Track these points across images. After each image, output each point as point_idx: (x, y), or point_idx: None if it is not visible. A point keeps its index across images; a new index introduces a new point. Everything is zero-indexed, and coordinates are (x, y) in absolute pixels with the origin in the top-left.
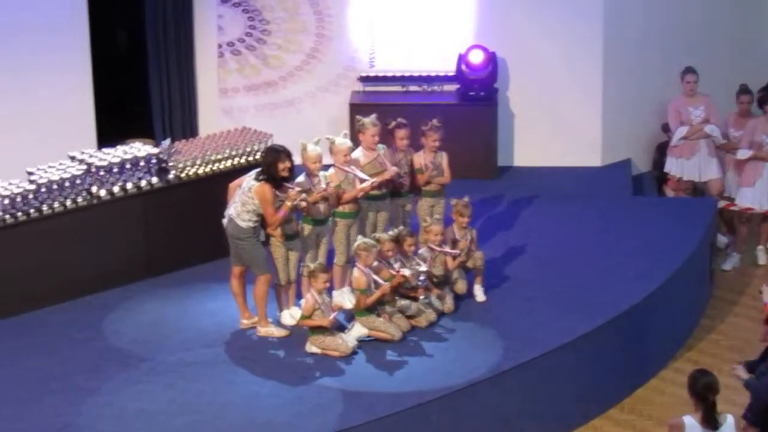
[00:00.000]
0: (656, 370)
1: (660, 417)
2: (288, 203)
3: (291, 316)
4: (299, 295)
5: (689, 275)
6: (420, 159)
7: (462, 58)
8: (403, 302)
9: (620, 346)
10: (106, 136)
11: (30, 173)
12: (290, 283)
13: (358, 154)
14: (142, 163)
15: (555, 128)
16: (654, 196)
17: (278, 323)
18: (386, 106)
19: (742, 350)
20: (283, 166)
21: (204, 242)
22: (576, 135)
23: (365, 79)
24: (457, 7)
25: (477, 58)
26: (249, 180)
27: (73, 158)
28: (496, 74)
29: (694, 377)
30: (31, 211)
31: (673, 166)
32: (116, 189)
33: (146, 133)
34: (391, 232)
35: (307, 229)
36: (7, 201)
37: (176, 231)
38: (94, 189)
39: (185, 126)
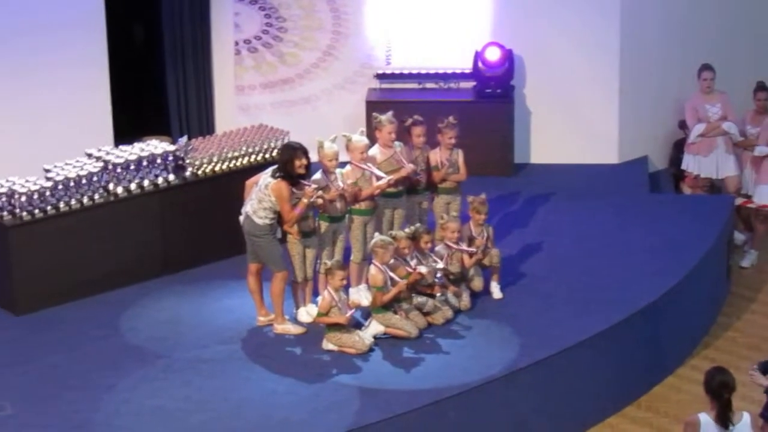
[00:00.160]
0: (673, 367)
1: (677, 414)
2: (304, 200)
3: (307, 313)
4: (316, 293)
5: (706, 273)
6: (436, 156)
7: (478, 55)
8: (419, 299)
9: (637, 344)
10: (123, 134)
11: (47, 170)
12: (307, 281)
13: (375, 151)
14: (159, 161)
15: (572, 125)
16: (671, 193)
17: (295, 320)
18: (403, 103)
19: (759, 347)
20: (299, 164)
21: (220, 239)
22: (593, 132)
23: (382, 77)
24: (474, 4)
25: (493, 55)
26: (266, 177)
27: (90, 155)
28: (513, 71)
29: (710, 375)
30: (48, 208)
31: (690, 164)
32: (133, 186)
33: (163, 130)
34: (407, 230)
35: (323, 226)
36: (24, 198)
37: (193, 228)
38: (111, 186)
39: (202, 123)
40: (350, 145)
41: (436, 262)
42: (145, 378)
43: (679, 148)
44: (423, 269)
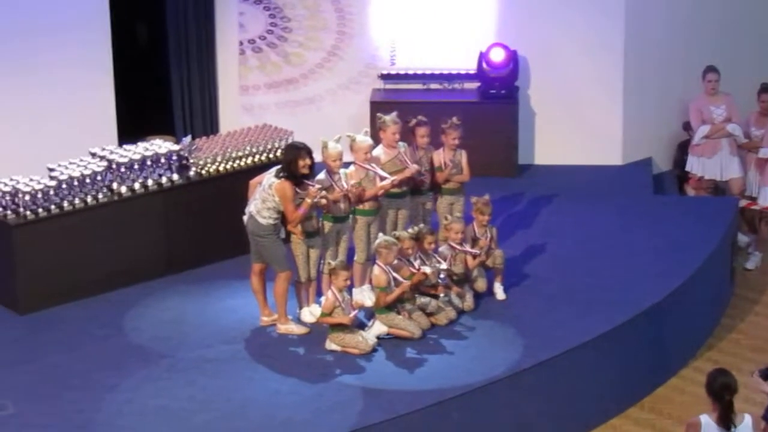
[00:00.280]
0: (676, 368)
1: (680, 416)
2: (308, 200)
3: (311, 313)
4: (319, 293)
5: (710, 274)
6: (439, 157)
7: (483, 56)
8: (422, 300)
9: (640, 345)
10: (127, 133)
11: (51, 169)
12: (310, 281)
13: (379, 151)
14: (162, 160)
15: (576, 126)
16: (675, 194)
17: (298, 320)
18: (407, 103)
19: (762, 349)
20: (303, 164)
21: (224, 239)
22: (597, 133)
23: (386, 77)
24: (479, 4)
25: (498, 56)
26: (269, 177)
27: (93, 155)
28: (517, 72)
29: (712, 376)
30: (52, 207)
31: (694, 165)
32: (137, 186)
33: (167, 130)
34: (411, 230)
35: (327, 226)
36: (28, 197)
37: (196, 228)
38: (114, 186)
39: (206, 123)
40: (354, 146)
41: (439, 262)
42: (149, 378)
43: (683, 149)
44: (426, 270)
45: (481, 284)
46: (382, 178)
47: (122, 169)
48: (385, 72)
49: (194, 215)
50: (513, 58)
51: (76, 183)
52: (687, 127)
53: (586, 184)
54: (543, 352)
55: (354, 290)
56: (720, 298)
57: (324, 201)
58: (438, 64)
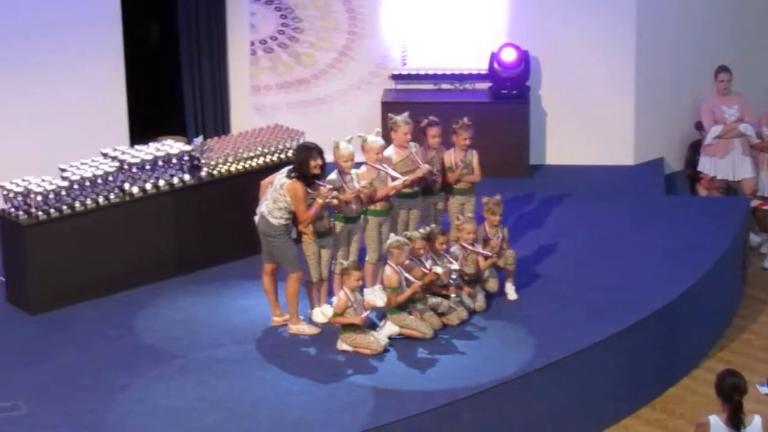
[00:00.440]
0: (688, 369)
1: (692, 416)
2: (319, 201)
3: (322, 313)
4: (330, 293)
5: (722, 275)
6: (450, 157)
7: (494, 56)
8: (434, 300)
9: (652, 346)
10: (139, 133)
11: (62, 170)
12: (322, 281)
13: (390, 152)
14: (174, 161)
15: (587, 126)
16: (687, 195)
17: (309, 321)
18: (418, 104)
19: None
20: (314, 164)
21: (236, 239)
22: (608, 133)
23: (397, 77)
24: (490, 5)
25: (509, 56)
26: (281, 177)
27: (105, 155)
28: (529, 72)
29: (722, 377)
30: (64, 207)
31: (706, 165)
32: (148, 186)
33: (178, 130)
34: (422, 230)
35: (338, 226)
36: (39, 198)
37: (208, 228)
38: (126, 186)
39: (217, 123)
40: (366, 146)
41: (451, 263)
42: (160, 378)
43: (695, 149)
44: (438, 270)
45: (492, 284)
46: (394, 179)
47: (134, 170)
48: (396, 72)
49: (205, 215)
50: (524, 58)
51: (87, 183)
52: (699, 126)
53: (597, 185)
54: (554, 353)
55: (365, 290)
56: (731, 298)
57: (335, 201)
58: (449, 65)
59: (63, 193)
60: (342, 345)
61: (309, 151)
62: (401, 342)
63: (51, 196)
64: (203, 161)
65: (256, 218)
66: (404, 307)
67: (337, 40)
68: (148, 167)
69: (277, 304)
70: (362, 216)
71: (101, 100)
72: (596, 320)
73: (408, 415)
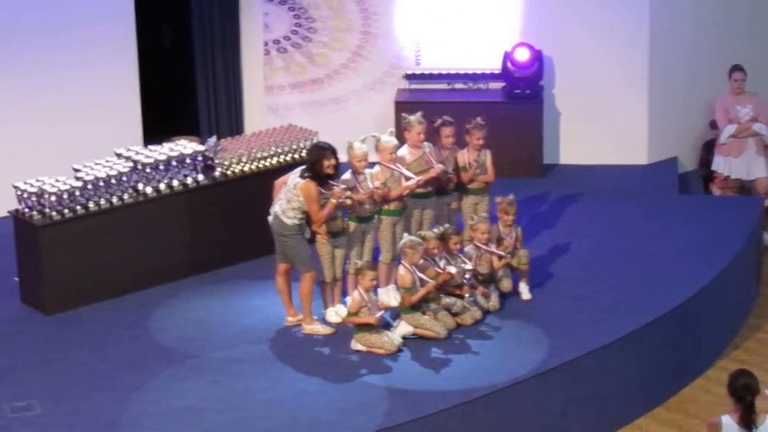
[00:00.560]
0: (703, 369)
1: (706, 416)
2: (333, 200)
3: (336, 313)
4: (344, 293)
5: (736, 274)
6: (463, 157)
7: (508, 56)
8: (448, 300)
9: (666, 345)
10: (152, 134)
11: (77, 170)
12: (336, 281)
13: (404, 151)
14: (188, 161)
15: (601, 126)
16: (701, 194)
17: (323, 321)
18: (432, 103)
19: None
20: (328, 164)
21: (249, 239)
22: (622, 133)
23: (411, 77)
24: (503, 4)
25: (523, 55)
26: (294, 177)
27: (119, 155)
28: (542, 72)
29: (734, 377)
30: (78, 208)
31: (720, 165)
32: (162, 186)
33: (192, 130)
34: (436, 230)
35: (352, 226)
36: (54, 198)
37: (221, 228)
38: (140, 186)
39: (231, 123)
40: (379, 146)
41: (464, 262)
42: (174, 378)
43: (709, 149)
44: (452, 270)
45: (506, 284)
46: (407, 179)
47: (147, 170)
48: (409, 72)
49: (219, 216)
50: (538, 57)
51: (101, 183)
52: (714, 125)
53: (611, 184)
54: (569, 352)
55: (379, 290)
56: (746, 298)
57: (349, 201)
58: (463, 64)
59: (77, 193)
60: (356, 345)
61: (322, 150)
62: (415, 342)
63: (65, 196)
64: (217, 161)
65: (270, 218)
66: (418, 306)
67: (351, 40)
68: (161, 167)
69: (290, 304)
70: (376, 216)
71: (115, 101)
72: (610, 320)
73: (422, 414)
